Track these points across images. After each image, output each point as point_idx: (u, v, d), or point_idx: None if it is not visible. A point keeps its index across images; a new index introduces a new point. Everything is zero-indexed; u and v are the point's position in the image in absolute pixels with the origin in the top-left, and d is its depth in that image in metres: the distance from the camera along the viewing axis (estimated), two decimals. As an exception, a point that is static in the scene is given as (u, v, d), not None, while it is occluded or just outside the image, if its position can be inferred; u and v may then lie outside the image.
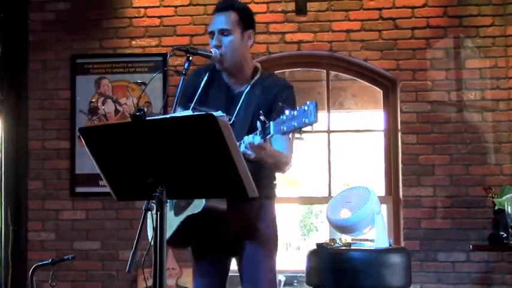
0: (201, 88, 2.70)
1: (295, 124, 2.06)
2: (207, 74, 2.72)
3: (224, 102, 2.65)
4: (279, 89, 2.65)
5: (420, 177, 4.61)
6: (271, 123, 2.17)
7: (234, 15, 2.63)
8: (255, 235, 2.64)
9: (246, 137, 2.30)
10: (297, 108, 2.07)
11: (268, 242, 2.67)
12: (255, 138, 2.24)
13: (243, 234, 2.64)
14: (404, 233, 4.60)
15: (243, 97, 2.64)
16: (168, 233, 2.49)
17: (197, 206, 2.42)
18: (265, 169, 2.61)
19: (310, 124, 2.05)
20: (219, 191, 2.09)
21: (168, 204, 2.51)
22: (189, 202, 2.48)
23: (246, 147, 2.27)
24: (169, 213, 2.57)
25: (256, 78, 2.68)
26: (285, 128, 2.10)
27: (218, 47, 2.61)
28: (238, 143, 2.03)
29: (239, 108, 2.62)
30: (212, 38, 2.64)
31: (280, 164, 2.58)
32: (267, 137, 2.21)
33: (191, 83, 2.73)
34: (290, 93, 2.67)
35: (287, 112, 2.10)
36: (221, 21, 2.63)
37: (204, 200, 2.40)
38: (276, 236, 2.74)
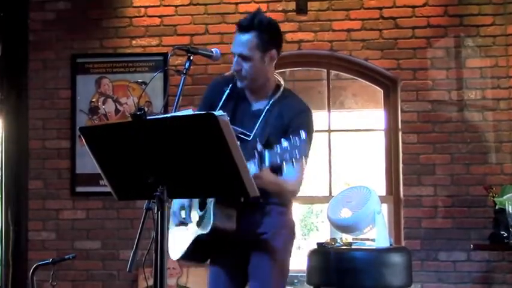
0: (222, 101, 2.66)
1: (287, 157, 2.17)
2: (229, 87, 2.68)
3: (243, 119, 2.63)
4: (295, 113, 2.60)
5: (421, 177, 4.61)
6: (267, 153, 2.22)
7: (254, 38, 2.53)
8: (261, 241, 2.62)
9: None
10: (289, 142, 2.16)
11: (275, 248, 2.63)
12: (250, 168, 2.21)
13: (250, 244, 2.62)
14: (405, 233, 4.60)
15: (262, 116, 2.61)
16: (182, 250, 2.55)
17: (207, 225, 2.43)
18: None
19: (299, 159, 2.16)
20: (219, 190, 2.09)
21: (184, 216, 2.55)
22: (202, 220, 2.49)
23: None
24: (185, 229, 2.58)
25: (276, 97, 2.64)
26: (277, 160, 2.19)
27: (239, 71, 2.58)
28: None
29: (257, 128, 2.59)
30: (234, 60, 2.59)
31: (284, 193, 2.57)
32: (262, 168, 2.24)
33: (212, 93, 2.72)
34: (305, 118, 2.61)
35: (284, 143, 2.18)
36: (241, 44, 2.55)
37: (212, 220, 2.40)
38: (287, 244, 2.69)
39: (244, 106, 2.66)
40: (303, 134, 2.17)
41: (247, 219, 2.56)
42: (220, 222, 2.42)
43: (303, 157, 2.46)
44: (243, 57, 2.55)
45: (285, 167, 2.20)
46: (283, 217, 2.68)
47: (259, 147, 2.24)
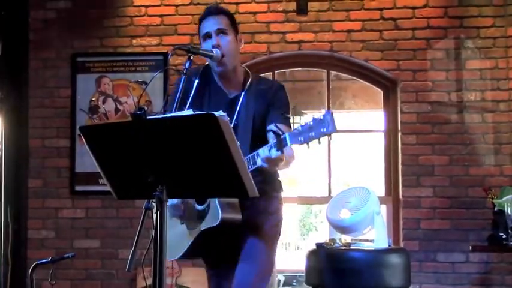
0: (192, 93, 2.69)
1: (313, 134, 2.16)
2: (196, 79, 2.72)
3: (222, 107, 2.63)
4: (273, 90, 2.69)
5: (420, 178, 4.61)
6: (287, 134, 2.23)
7: (226, 18, 2.68)
8: (259, 226, 2.65)
9: (260, 151, 2.33)
10: (313, 118, 2.15)
11: (269, 232, 2.67)
12: (272, 152, 2.26)
13: (249, 226, 2.64)
14: (403, 234, 4.60)
15: (240, 101, 2.66)
16: (183, 248, 2.55)
17: (214, 218, 2.45)
18: (269, 174, 2.64)
19: (329, 134, 2.13)
20: (219, 190, 2.10)
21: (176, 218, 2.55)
22: (204, 215, 2.50)
23: (263, 161, 2.31)
24: (181, 227, 2.59)
25: (249, 81, 2.70)
26: (302, 139, 2.19)
27: (218, 46, 2.63)
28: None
29: (239, 112, 2.63)
30: (207, 40, 2.65)
31: (287, 165, 2.57)
32: (283, 149, 2.25)
33: (183, 88, 2.70)
34: (283, 94, 2.72)
35: (303, 122, 2.17)
36: (216, 22, 2.66)
37: (220, 213, 2.43)
38: (278, 225, 2.74)
39: (219, 96, 2.70)
40: (329, 113, 2.17)
41: (251, 211, 2.60)
42: (227, 214, 2.46)
43: (290, 127, 2.57)
44: (222, 32, 2.64)
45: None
46: (275, 201, 2.73)
47: (275, 129, 2.25)
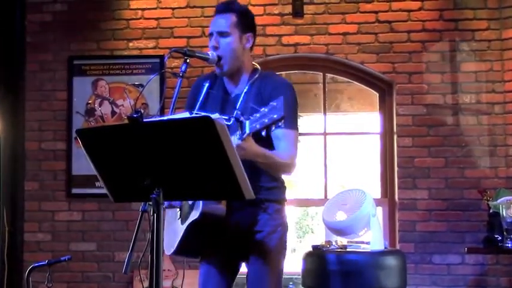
0: (202, 96, 2.70)
1: (266, 121, 2.15)
2: (207, 83, 2.74)
3: (224, 106, 2.65)
4: (274, 86, 2.63)
5: (416, 180, 4.62)
6: (246, 122, 2.22)
7: (233, 17, 2.65)
8: (258, 241, 2.63)
9: None
10: (269, 105, 2.15)
11: (272, 248, 2.65)
12: (233, 140, 2.24)
13: (246, 240, 2.64)
14: (399, 236, 4.61)
15: (241, 99, 2.65)
16: (175, 242, 2.54)
17: (197, 211, 2.44)
18: (265, 172, 2.61)
19: (279, 119, 2.13)
20: (215, 193, 2.10)
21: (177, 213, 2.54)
22: (191, 210, 2.50)
23: None
24: (177, 222, 2.59)
25: (254, 78, 2.69)
26: (257, 126, 2.18)
27: (216, 47, 2.63)
28: None
29: (237, 110, 2.61)
30: (210, 40, 2.67)
31: (275, 165, 2.54)
32: (244, 137, 2.25)
33: (193, 91, 2.78)
34: (284, 89, 2.61)
35: (262, 108, 2.18)
36: (220, 23, 2.65)
37: (201, 204, 2.42)
38: (282, 240, 2.72)
39: (224, 95, 2.71)
40: (281, 98, 2.16)
41: (244, 215, 2.60)
42: (209, 207, 2.43)
43: (292, 129, 2.53)
44: (222, 34, 2.63)
45: (264, 132, 2.19)
46: (278, 214, 2.71)
47: (239, 116, 2.24)
